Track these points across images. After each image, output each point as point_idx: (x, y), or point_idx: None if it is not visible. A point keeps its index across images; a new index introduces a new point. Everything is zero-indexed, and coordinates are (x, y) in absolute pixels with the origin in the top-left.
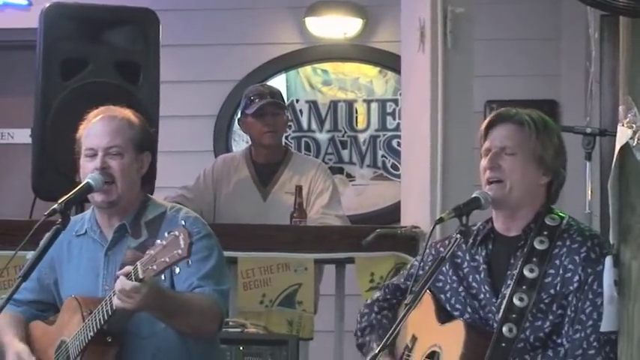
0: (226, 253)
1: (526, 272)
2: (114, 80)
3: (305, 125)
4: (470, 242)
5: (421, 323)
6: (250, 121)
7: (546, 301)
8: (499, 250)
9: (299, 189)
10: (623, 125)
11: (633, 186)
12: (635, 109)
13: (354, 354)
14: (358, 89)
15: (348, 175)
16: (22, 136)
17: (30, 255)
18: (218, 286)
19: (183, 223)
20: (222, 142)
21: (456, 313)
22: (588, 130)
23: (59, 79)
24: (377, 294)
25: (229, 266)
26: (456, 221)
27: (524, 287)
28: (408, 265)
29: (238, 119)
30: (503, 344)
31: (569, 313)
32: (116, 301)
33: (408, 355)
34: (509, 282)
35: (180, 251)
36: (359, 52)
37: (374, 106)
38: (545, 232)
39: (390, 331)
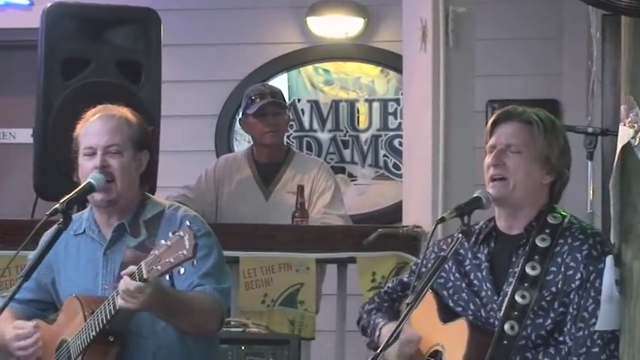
0: (228, 253)
1: (528, 270)
2: (115, 80)
3: (307, 125)
4: (472, 240)
5: (423, 322)
6: (251, 121)
7: (548, 298)
8: (501, 248)
9: (301, 189)
10: (624, 125)
11: (635, 186)
12: (636, 108)
13: (355, 353)
14: (360, 89)
15: (350, 175)
16: (24, 135)
17: (32, 255)
18: (219, 284)
19: (188, 223)
20: (223, 142)
21: (459, 309)
22: (590, 130)
23: (61, 78)
24: (380, 290)
25: (231, 266)
26: (458, 221)
27: (526, 285)
28: (412, 264)
29: (239, 119)
30: (505, 342)
31: (571, 310)
32: (120, 302)
33: None
34: (510, 280)
35: (185, 252)
36: (360, 51)
37: (375, 105)
38: (547, 230)
39: (393, 331)
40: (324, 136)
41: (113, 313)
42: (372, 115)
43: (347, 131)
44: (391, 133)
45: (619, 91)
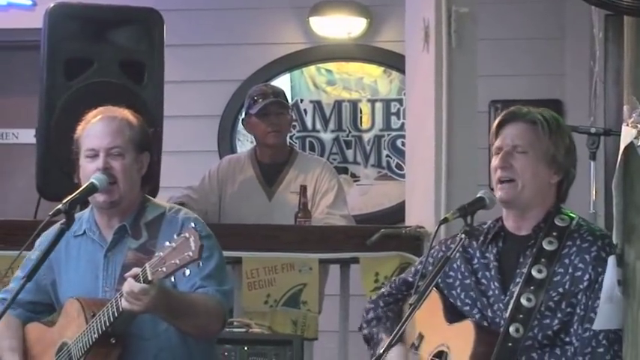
0: (231, 253)
1: (534, 273)
2: (118, 80)
3: (309, 125)
4: (481, 240)
5: (428, 322)
6: (254, 121)
7: (555, 299)
8: (509, 248)
9: (303, 189)
10: (627, 125)
11: (638, 186)
12: (639, 108)
13: (358, 354)
14: (362, 89)
15: (353, 175)
16: (27, 136)
17: (30, 255)
18: (220, 286)
19: (193, 225)
20: (226, 142)
21: (466, 309)
22: (593, 130)
23: (63, 79)
24: (382, 290)
25: (234, 266)
26: (461, 221)
27: (532, 288)
28: (417, 262)
29: (242, 119)
30: (510, 344)
31: (578, 311)
32: (124, 304)
33: (415, 354)
34: (518, 280)
35: (191, 253)
36: (363, 51)
37: (378, 105)
38: (555, 233)
39: (395, 331)
40: (327, 137)
41: (116, 315)
42: (375, 115)
43: (350, 131)
44: (394, 134)
45: (622, 92)
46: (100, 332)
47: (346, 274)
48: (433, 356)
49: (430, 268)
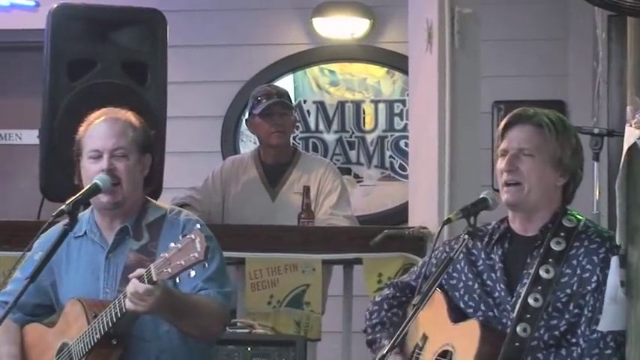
0: (234, 254)
1: (542, 273)
2: (121, 81)
3: (312, 126)
4: (485, 241)
5: (432, 322)
6: (257, 122)
7: (563, 300)
8: (516, 249)
9: (306, 190)
10: (630, 126)
11: None
12: None
13: (361, 354)
14: (366, 90)
15: (356, 176)
16: (30, 136)
17: (29, 256)
18: (222, 288)
19: (198, 226)
20: (229, 143)
21: (470, 311)
22: (596, 131)
23: (66, 79)
24: (386, 291)
25: (237, 267)
26: (464, 222)
27: (539, 288)
28: (420, 263)
29: (246, 120)
30: (517, 343)
31: (586, 312)
32: (128, 304)
33: (419, 354)
34: (525, 281)
35: (196, 254)
36: (366, 52)
37: (381, 106)
38: (562, 234)
39: (398, 332)
40: (330, 137)
41: (120, 315)
42: (378, 116)
43: (353, 132)
44: (397, 134)
45: (625, 92)
46: (102, 333)
47: (349, 275)
48: (438, 356)
49: (433, 269)
